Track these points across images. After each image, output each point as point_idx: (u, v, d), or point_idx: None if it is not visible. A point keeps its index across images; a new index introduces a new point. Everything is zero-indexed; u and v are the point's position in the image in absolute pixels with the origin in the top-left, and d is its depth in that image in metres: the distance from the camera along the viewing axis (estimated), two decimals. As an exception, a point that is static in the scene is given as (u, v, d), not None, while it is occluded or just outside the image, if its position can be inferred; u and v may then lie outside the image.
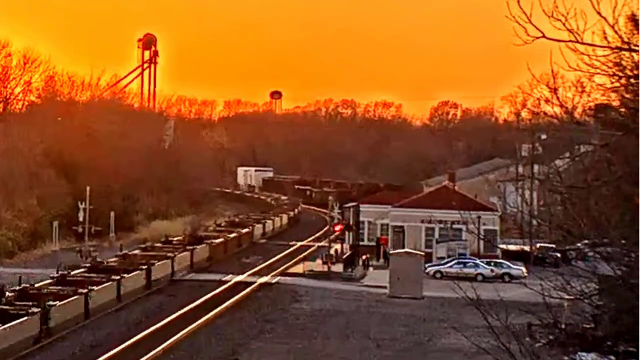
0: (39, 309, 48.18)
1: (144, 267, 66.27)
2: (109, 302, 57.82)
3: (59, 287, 56.19)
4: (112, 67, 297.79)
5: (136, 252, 75.68)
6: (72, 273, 61.64)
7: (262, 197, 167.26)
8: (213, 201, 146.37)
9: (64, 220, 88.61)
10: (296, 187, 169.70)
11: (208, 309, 58.41)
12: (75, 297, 53.36)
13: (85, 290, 54.53)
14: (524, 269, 76.29)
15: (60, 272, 60.58)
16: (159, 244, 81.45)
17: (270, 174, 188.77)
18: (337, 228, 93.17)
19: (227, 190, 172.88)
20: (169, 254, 72.93)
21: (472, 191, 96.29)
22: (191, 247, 78.82)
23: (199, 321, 54.03)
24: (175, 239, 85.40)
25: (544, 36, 16.60)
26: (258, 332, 52.54)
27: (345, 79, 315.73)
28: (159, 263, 69.21)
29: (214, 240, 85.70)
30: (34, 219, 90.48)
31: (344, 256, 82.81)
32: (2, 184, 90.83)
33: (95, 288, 56.02)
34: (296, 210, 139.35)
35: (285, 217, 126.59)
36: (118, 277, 60.38)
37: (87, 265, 66.51)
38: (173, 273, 71.42)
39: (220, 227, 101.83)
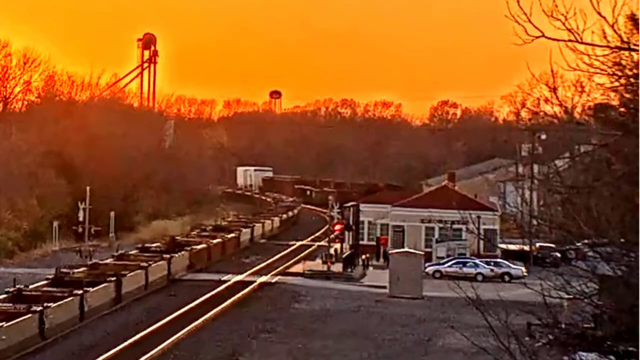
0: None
1: (113, 279, 58.96)
2: (70, 321, 50.39)
3: (10, 305, 48.48)
4: (112, 66, 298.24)
5: (108, 261, 68.84)
6: (31, 287, 54.74)
7: (262, 197, 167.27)
8: (213, 201, 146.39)
9: (64, 220, 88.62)
10: (296, 187, 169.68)
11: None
12: (28, 315, 45.79)
13: (40, 308, 46.91)
14: (523, 269, 76.31)
15: (16, 287, 53.12)
16: (134, 252, 74.86)
17: (270, 174, 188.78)
18: (337, 228, 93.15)
19: (228, 190, 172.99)
20: (143, 264, 66.00)
21: (472, 191, 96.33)
22: (168, 256, 71.27)
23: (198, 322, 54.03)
24: (154, 245, 79.12)
25: (543, 36, 16.59)
26: (258, 332, 52.51)
27: (345, 79, 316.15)
28: (131, 274, 62.04)
29: (194, 247, 78.84)
30: (34, 219, 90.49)
31: (344, 256, 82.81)
32: (2, 184, 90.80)
33: (52, 305, 48.30)
34: (291, 212, 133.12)
35: (277, 220, 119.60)
36: (80, 292, 52.47)
37: (50, 277, 58.99)
38: (147, 284, 64.66)
39: (204, 231, 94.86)
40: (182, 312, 56.99)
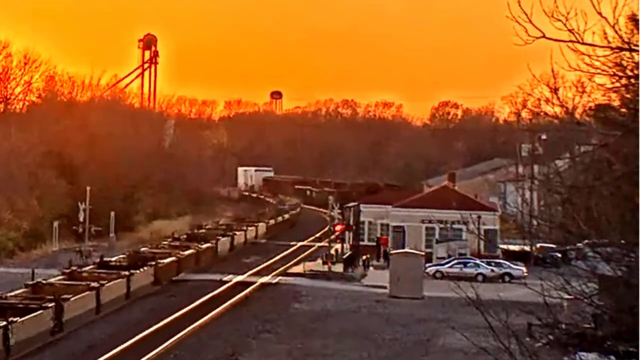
0: None
1: (51, 304, 47.86)
2: None
3: None
4: (113, 67, 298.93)
5: (54, 280, 57.81)
6: None
7: (261, 197, 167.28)
8: (213, 201, 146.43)
9: (64, 221, 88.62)
10: (296, 187, 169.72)
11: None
12: None
13: None
14: (524, 269, 76.32)
15: None
16: (89, 267, 65.01)
17: (270, 174, 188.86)
18: (338, 228, 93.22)
19: (224, 195, 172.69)
20: (94, 284, 55.25)
21: (472, 191, 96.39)
22: (128, 273, 61.56)
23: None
24: (115, 258, 69.18)
25: (544, 36, 16.60)
26: (258, 332, 52.53)
27: (345, 79, 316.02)
28: (76, 297, 51.31)
29: (161, 261, 69.39)
30: (34, 219, 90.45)
31: (344, 256, 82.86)
32: (2, 184, 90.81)
33: None
34: (280, 217, 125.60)
35: (262, 226, 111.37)
36: (4, 323, 42.51)
37: None
38: (99, 307, 54.81)
39: (177, 240, 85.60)
40: (182, 313, 57.02)
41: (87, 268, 64.00)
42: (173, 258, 72.62)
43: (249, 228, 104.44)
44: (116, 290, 58.75)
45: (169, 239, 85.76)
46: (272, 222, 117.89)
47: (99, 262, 66.91)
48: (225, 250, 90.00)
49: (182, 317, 55.35)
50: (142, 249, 77.41)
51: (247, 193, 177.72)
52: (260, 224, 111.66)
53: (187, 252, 76.97)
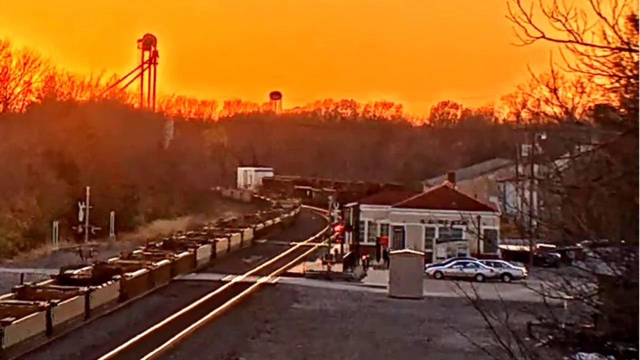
0: None
1: None
2: None
3: None
4: (112, 67, 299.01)
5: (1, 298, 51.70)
6: None
7: (261, 197, 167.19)
8: (213, 201, 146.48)
9: (64, 220, 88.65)
10: (296, 187, 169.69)
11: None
12: None
13: None
14: (524, 269, 76.34)
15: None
16: (46, 282, 57.85)
17: (270, 174, 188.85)
18: (337, 228, 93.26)
19: (226, 195, 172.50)
20: (44, 303, 48.14)
21: (472, 191, 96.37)
22: (87, 289, 54.10)
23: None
24: (77, 271, 61.46)
25: (543, 36, 16.60)
26: (258, 332, 52.55)
27: (345, 79, 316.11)
28: (18, 321, 44.25)
29: (129, 274, 62.28)
30: (34, 219, 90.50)
31: (344, 256, 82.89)
32: (2, 184, 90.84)
33: None
34: (270, 221, 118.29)
35: (248, 232, 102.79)
36: None
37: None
38: (50, 330, 47.82)
39: (153, 247, 79.07)
40: (182, 313, 57.04)
41: (42, 283, 56.99)
42: (143, 270, 65.42)
43: (234, 234, 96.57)
44: (72, 309, 51.28)
45: (143, 247, 78.82)
46: (260, 226, 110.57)
47: (59, 275, 59.86)
48: (206, 259, 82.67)
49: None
50: (111, 259, 69.76)
51: (257, 195, 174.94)
52: (247, 229, 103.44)
53: (160, 263, 69.63)
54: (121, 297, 59.59)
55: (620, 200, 18.64)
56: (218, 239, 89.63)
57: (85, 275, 60.48)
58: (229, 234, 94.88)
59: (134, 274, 63.32)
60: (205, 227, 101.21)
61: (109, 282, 58.43)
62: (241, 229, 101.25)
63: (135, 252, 75.40)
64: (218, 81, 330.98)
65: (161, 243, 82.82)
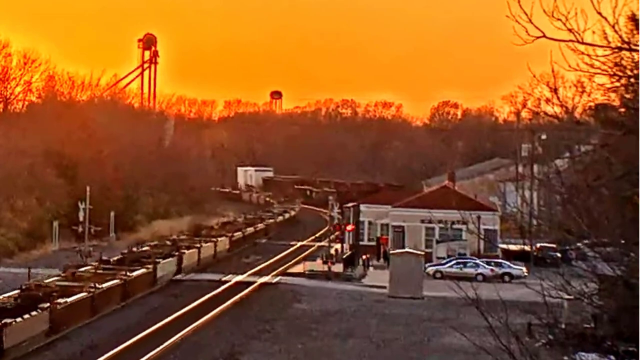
0: None
1: None
2: None
3: None
4: (112, 67, 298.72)
5: None
6: None
7: (261, 198, 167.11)
8: (213, 201, 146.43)
9: (64, 220, 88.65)
10: (296, 187, 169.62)
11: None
12: None
13: None
14: (524, 269, 76.33)
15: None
16: None
17: (270, 174, 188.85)
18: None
19: (225, 190, 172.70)
20: None
21: (472, 191, 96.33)
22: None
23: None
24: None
25: (544, 36, 16.59)
26: (258, 332, 52.54)
27: (345, 79, 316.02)
28: None
29: (61, 301, 50.17)
30: (34, 219, 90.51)
31: (344, 256, 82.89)
32: (2, 184, 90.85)
33: None
34: (252, 227, 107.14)
35: (224, 242, 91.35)
36: None
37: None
38: None
39: (107, 262, 67.25)
40: (182, 312, 57.04)
41: None
42: (83, 294, 53.83)
43: (205, 244, 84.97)
44: None
45: (97, 262, 67.40)
46: (237, 234, 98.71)
47: None
48: (169, 275, 71.95)
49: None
50: (49, 279, 58.39)
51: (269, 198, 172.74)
52: (222, 238, 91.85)
53: (108, 284, 58.13)
54: (51, 330, 48.40)
55: (620, 200, 18.62)
56: (185, 250, 78.18)
57: (7, 304, 49.33)
58: (198, 245, 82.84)
59: (71, 299, 51.51)
60: (174, 237, 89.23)
61: (34, 313, 46.81)
62: (215, 238, 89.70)
63: (84, 269, 63.53)
64: (218, 81, 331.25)
65: (120, 256, 71.51)
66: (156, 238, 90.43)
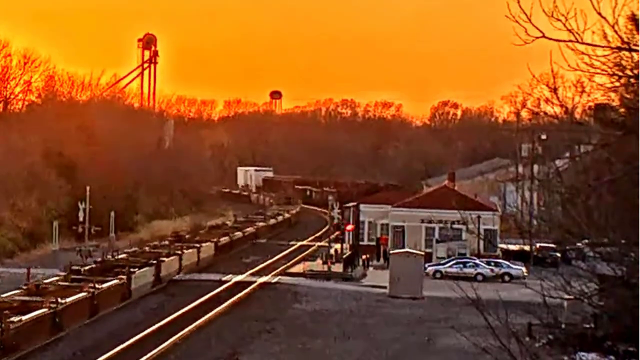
0: None
1: None
2: None
3: None
4: (112, 67, 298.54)
5: None
6: None
7: (261, 197, 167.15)
8: (213, 201, 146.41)
9: (64, 220, 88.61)
10: (296, 187, 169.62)
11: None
12: None
13: None
14: (524, 269, 76.33)
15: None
16: None
17: (270, 174, 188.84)
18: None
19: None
20: None
21: (472, 191, 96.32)
22: None
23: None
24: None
25: (544, 36, 16.60)
26: (258, 332, 52.54)
27: (345, 79, 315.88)
28: None
29: (18, 317, 44.79)
30: (34, 219, 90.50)
31: (344, 256, 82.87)
32: (2, 184, 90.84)
33: None
34: (247, 230, 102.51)
35: (208, 247, 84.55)
36: None
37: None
38: None
39: (77, 273, 61.01)
40: (182, 312, 57.03)
41: None
42: (43, 311, 47.77)
43: (187, 251, 78.36)
44: None
45: (65, 273, 61.20)
46: (225, 239, 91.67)
47: None
48: (147, 286, 65.76)
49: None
50: (8, 293, 52.51)
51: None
52: (206, 244, 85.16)
53: (72, 298, 51.65)
54: (2, 353, 42.52)
55: (620, 200, 18.63)
56: (165, 258, 71.86)
57: None
58: (180, 252, 76.52)
59: (27, 317, 45.78)
60: (155, 243, 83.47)
61: None
62: (197, 244, 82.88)
63: (50, 280, 58.17)
64: (218, 81, 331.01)
65: (94, 265, 66.42)
66: (134, 245, 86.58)
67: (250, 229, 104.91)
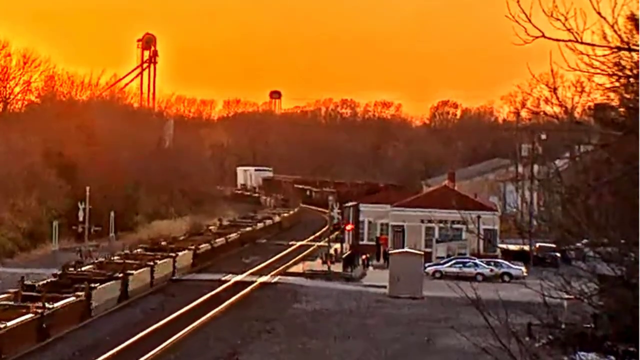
0: None
1: None
2: None
3: None
4: (112, 66, 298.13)
5: None
6: None
7: (262, 198, 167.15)
8: (213, 201, 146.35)
9: (64, 220, 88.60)
10: (296, 187, 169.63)
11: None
12: None
13: None
14: (523, 269, 76.34)
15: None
16: None
17: (270, 174, 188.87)
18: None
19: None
20: None
21: (472, 191, 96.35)
22: None
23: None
24: None
25: (543, 36, 16.59)
26: (258, 332, 52.54)
27: (345, 79, 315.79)
28: None
29: None
30: (34, 219, 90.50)
31: (344, 256, 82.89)
32: (2, 184, 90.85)
33: None
34: (230, 236, 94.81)
35: (185, 256, 76.88)
36: None
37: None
38: None
39: (32, 288, 54.21)
40: (182, 312, 57.00)
41: None
42: None
43: (160, 261, 70.57)
44: None
45: (18, 288, 53.50)
46: (202, 248, 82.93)
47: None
48: (112, 301, 58.71)
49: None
50: None
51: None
52: (183, 252, 77.53)
53: (14, 322, 44.84)
54: None
55: (620, 200, 18.63)
56: (133, 271, 64.04)
57: None
58: (152, 262, 68.62)
59: None
60: (127, 252, 74.24)
61: None
62: (173, 253, 74.88)
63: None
64: (217, 81, 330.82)
65: (50, 279, 59.01)
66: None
67: (233, 235, 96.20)
